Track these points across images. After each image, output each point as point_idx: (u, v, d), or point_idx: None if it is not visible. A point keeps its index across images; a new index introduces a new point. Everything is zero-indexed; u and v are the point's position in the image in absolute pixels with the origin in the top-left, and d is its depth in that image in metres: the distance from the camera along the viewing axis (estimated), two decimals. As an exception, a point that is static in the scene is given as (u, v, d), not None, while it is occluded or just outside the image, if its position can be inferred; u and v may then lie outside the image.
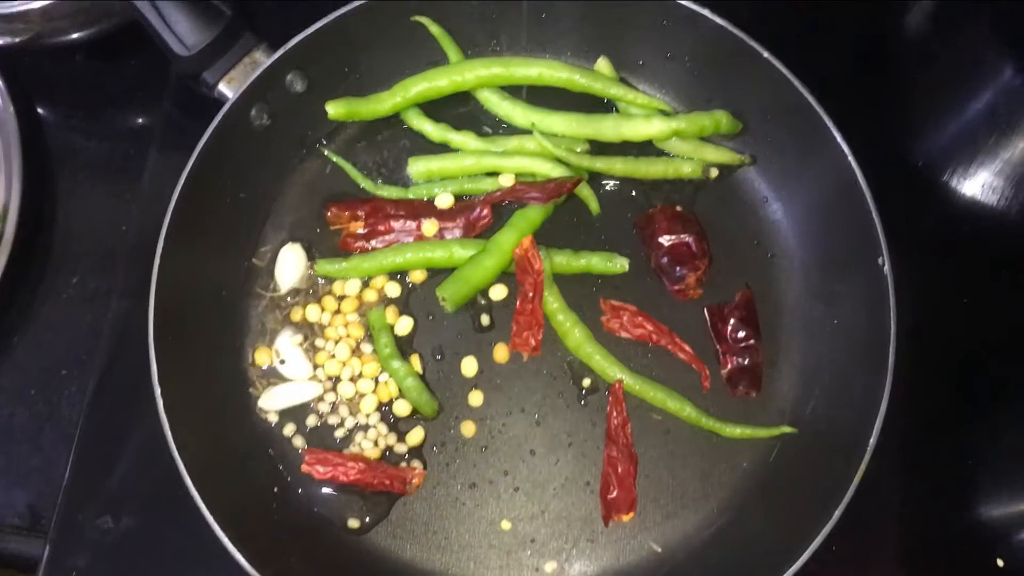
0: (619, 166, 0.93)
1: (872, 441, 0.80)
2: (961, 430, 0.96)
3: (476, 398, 0.89)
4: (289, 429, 0.88)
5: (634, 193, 0.95)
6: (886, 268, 0.83)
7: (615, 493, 0.85)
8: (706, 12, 0.89)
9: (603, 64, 0.96)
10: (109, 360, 0.92)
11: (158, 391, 0.79)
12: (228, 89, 0.87)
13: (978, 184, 1.02)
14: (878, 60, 1.09)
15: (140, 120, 1.05)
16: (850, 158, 0.85)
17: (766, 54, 0.88)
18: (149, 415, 0.87)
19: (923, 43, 1.10)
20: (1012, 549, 0.91)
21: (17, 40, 0.97)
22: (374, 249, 0.91)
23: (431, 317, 0.91)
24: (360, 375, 0.89)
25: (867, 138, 0.88)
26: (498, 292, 0.91)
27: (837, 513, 0.78)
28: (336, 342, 0.89)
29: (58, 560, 0.87)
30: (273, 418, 0.88)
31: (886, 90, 1.06)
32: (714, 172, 0.95)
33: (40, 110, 1.04)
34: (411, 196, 0.93)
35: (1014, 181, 1.02)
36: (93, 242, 0.99)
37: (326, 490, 0.86)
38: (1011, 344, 0.98)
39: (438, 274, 0.91)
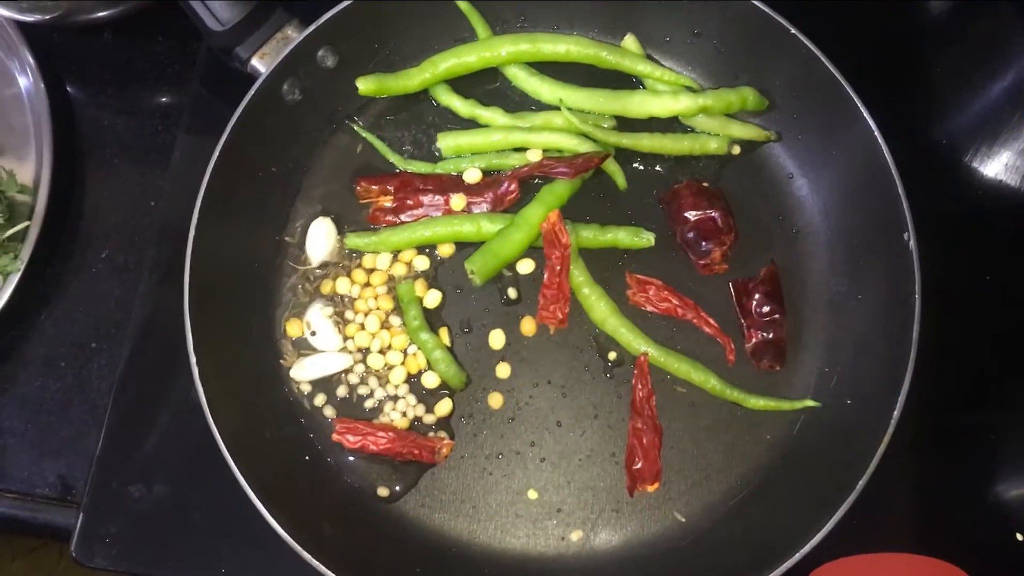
0: (645, 142, 0.94)
1: (895, 415, 0.80)
2: (982, 407, 0.96)
3: (503, 370, 0.90)
4: (320, 399, 0.89)
5: (660, 169, 0.95)
6: (912, 243, 0.83)
7: (640, 464, 0.86)
8: (733, -11, 0.89)
9: (630, 41, 0.96)
10: (141, 331, 0.94)
11: (193, 360, 0.80)
12: (261, 64, 0.88)
13: (1001, 163, 1.03)
14: (902, 40, 1.09)
15: (167, 98, 1.05)
16: (877, 134, 0.86)
17: (793, 30, 0.88)
18: (180, 386, 0.89)
19: (947, 22, 1.10)
20: (1032, 523, 0.92)
21: (47, 18, 0.98)
22: (403, 223, 0.92)
23: (459, 290, 0.92)
24: (389, 347, 0.90)
25: (891, 118, 0.88)
26: (525, 266, 0.92)
27: (859, 486, 0.79)
28: (366, 314, 0.90)
29: (91, 528, 0.88)
30: (304, 388, 0.89)
31: (910, 70, 1.07)
32: (736, 148, 0.96)
33: (69, 88, 1.05)
34: (439, 171, 0.94)
35: (1036, 161, 1.03)
36: (122, 218, 1.00)
37: (356, 459, 0.88)
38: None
39: (466, 248, 0.92)
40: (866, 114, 0.86)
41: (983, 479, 0.94)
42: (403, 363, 0.89)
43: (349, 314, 0.91)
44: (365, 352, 0.90)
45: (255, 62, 0.89)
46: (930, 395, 0.88)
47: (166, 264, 0.95)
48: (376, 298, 0.91)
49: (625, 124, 0.95)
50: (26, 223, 0.93)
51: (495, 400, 0.89)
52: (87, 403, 0.95)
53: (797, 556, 0.78)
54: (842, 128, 0.89)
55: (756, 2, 0.89)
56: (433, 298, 0.91)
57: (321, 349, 0.90)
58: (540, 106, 0.96)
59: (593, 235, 0.91)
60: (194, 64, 1.04)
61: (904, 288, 0.84)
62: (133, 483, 0.89)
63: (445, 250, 0.92)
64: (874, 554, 0.88)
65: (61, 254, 0.99)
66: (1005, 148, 1.03)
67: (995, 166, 1.03)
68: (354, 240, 0.91)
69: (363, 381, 0.89)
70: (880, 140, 0.86)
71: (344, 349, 0.90)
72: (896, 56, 1.07)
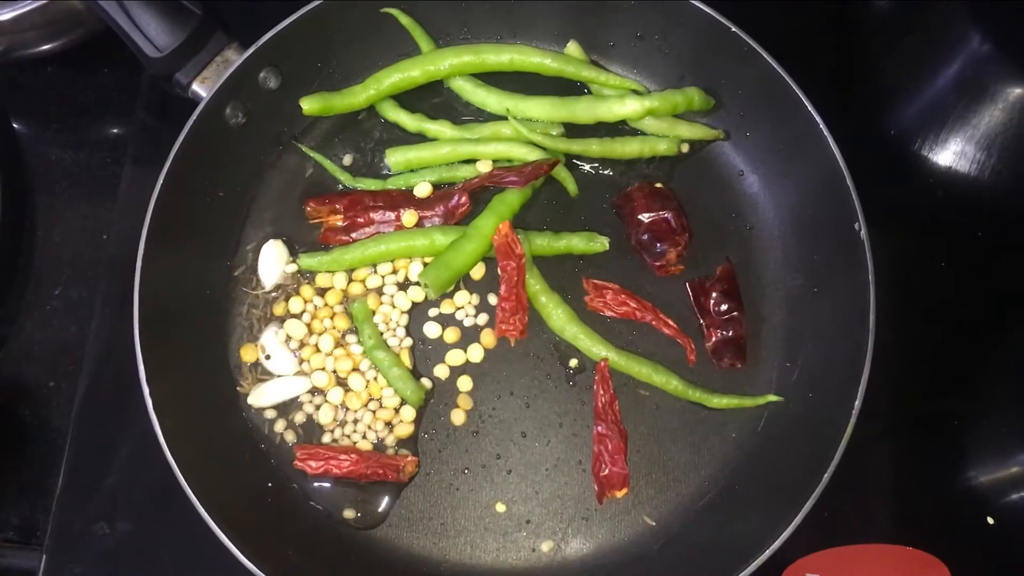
0: (595, 147, 0.93)
1: (857, 405, 0.80)
2: (945, 394, 0.97)
3: (465, 384, 0.89)
4: (280, 425, 0.88)
5: (611, 173, 0.95)
6: (863, 233, 0.84)
7: (607, 470, 0.86)
8: (673, -9, 0.89)
9: (573, 47, 0.96)
10: (96, 367, 0.92)
11: (147, 393, 0.79)
12: (202, 89, 0.87)
13: (950, 151, 1.03)
14: (848, 33, 1.09)
15: (115, 129, 1.04)
16: (822, 126, 0.86)
17: (734, 29, 0.88)
18: (139, 420, 0.87)
19: (890, 13, 1.11)
20: (1001, 507, 0.92)
21: (-13, 55, 0.97)
22: (355, 241, 0.91)
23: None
24: (347, 367, 0.88)
25: (840, 111, 0.89)
26: (479, 276, 0.92)
27: (825, 478, 0.79)
28: (321, 335, 0.89)
29: (55, 570, 0.87)
30: (264, 414, 0.88)
31: (856, 61, 1.07)
32: (685, 147, 0.96)
33: (15, 123, 1.04)
34: (389, 187, 0.93)
35: (984, 147, 1.03)
36: (74, 252, 0.99)
37: (320, 483, 0.86)
38: (991, 306, 0.99)
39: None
40: (810, 107, 0.86)
41: (952, 466, 0.94)
42: (362, 382, 0.88)
43: (305, 336, 0.89)
44: (322, 373, 0.88)
45: (196, 87, 0.87)
46: (894, 385, 0.88)
47: (118, 297, 0.93)
48: (332, 317, 0.90)
49: (574, 130, 0.94)
50: (-24, 264, 0.92)
51: (458, 415, 0.88)
52: (47, 443, 0.93)
53: (768, 552, 0.78)
54: (788, 123, 0.89)
55: (696, 2, 0.89)
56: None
57: (278, 373, 0.89)
58: (488, 117, 0.96)
59: (547, 242, 0.90)
60: (139, 93, 1.03)
61: (858, 279, 0.84)
62: (96, 522, 0.88)
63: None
64: (847, 547, 0.88)
65: (14, 292, 0.97)
66: (954, 135, 1.04)
67: (945, 154, 1.03)
68: (306, 261, 0.90)
69: (322, 403, 0.88)
70: (825, 131, 0.86)
71: (300, 372, 0.89)
72: (843, 50, 1.08)
